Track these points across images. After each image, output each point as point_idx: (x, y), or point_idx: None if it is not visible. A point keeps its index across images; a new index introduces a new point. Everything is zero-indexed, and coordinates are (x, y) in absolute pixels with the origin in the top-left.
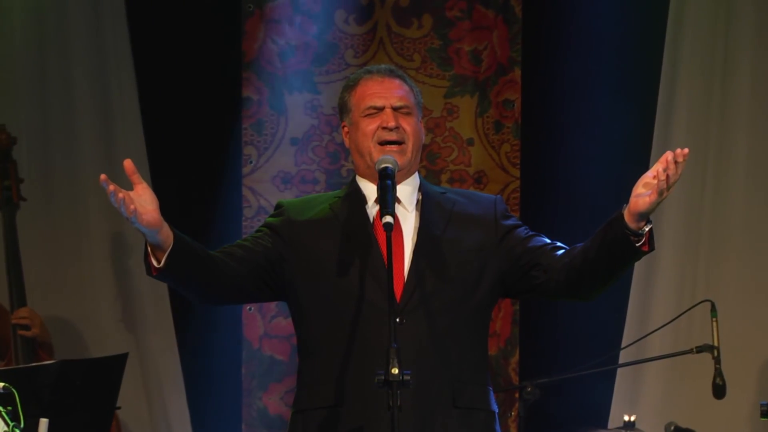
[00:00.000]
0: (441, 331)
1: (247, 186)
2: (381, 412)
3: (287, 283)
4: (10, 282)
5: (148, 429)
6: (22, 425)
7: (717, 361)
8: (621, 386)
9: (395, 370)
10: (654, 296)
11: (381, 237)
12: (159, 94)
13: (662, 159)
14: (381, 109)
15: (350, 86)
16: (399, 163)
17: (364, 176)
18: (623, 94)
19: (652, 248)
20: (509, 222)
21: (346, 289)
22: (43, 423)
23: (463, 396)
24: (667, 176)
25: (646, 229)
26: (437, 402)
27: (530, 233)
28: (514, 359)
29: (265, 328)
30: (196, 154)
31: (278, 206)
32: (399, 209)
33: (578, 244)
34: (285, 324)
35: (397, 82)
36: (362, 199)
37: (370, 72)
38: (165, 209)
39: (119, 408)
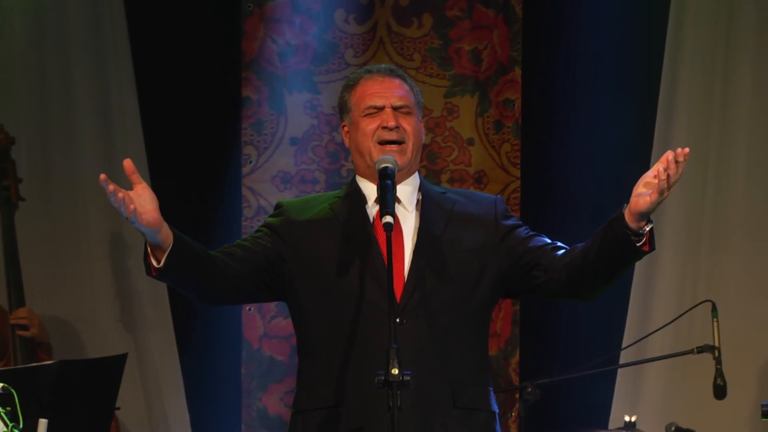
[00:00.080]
0: (441, 332)
1: (246, 186)
2: (381, 412)
3: (287, 283)
4: (8, 282)
5: (148, 429)
6: (21, 426)
7: (718, 361)
8: (622, 387)
9: (395, 371)
10: (655, 296)
11: (381, 237)
12: (158, 93)
13: (663, 158)
14: (381, 108)
15: (350, 86)
16: (399, 162)
17: (364, 176)
18: (624, 94)
19: (652, 248)
20: (509, 222)
21: (346, 289)
22: (42, 423)
23: (464, 396)
24: (668, 176)
25: (647, 229)
26: (437, 402)
27: (531, 233)
28: (515, 359)
29: (265, 328)
30: (196, 154)
31: (278, 206)
32: (399, 209)
33: (579, 244)
34: (285, 324)
35: (397, 81)
36: (362, 199)
37: (370, 71)
38: (164, 209)
39: (118, 408)
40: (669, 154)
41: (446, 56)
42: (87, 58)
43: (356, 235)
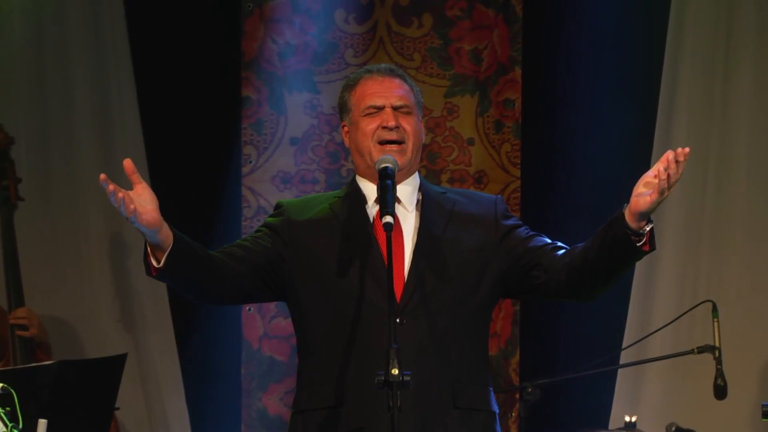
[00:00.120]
0: (441, 332)
1: (246, 186)
2: (381, 412)
3: (287, 283)
4: (8, 282)
5: (147, 430)
6: (20, 426)
7: (718, 361)
8: (622, 387)
9: (395, 371)
10: (655, 296)
11: (381, 237)
12: (158, 94)
13: (663, 158)
14: (381, 108)
15: (350, 86)
16: (399, 162)
17: (364, 176)
18: (624, 94)
19: (653, 248)
20: (510, 222)
21: (346, 290)
22: (42, 424)
23: (464, 396)
24: (668, 175)
25: (647, 229)
26: (437, 402)
27: (531, 233)
28: (515, 360)
29: (265, 328)
30: (196, 154)
31: (278, 206)
32: (399, 209)
33: (579, 244)
34: (284, 324)
35: (397, 81)
36: (362, 199)
37: (370, 71)
38: (164, 209)
39: (118, 409)
40: (669, 154)
41: (446, 56)
42: (87, 58)
43: (356, 235)
